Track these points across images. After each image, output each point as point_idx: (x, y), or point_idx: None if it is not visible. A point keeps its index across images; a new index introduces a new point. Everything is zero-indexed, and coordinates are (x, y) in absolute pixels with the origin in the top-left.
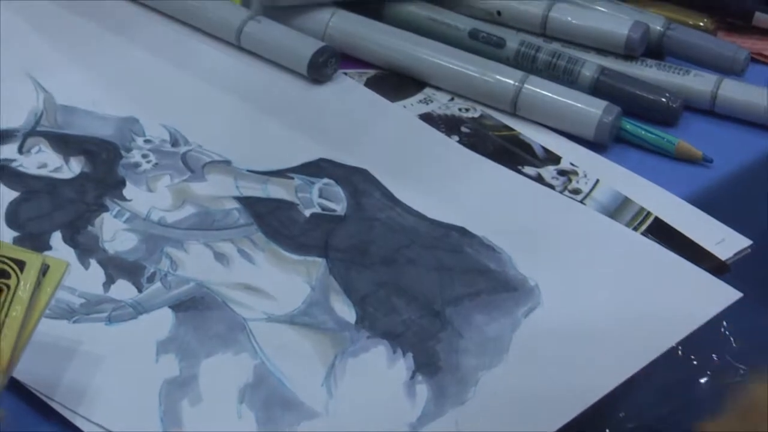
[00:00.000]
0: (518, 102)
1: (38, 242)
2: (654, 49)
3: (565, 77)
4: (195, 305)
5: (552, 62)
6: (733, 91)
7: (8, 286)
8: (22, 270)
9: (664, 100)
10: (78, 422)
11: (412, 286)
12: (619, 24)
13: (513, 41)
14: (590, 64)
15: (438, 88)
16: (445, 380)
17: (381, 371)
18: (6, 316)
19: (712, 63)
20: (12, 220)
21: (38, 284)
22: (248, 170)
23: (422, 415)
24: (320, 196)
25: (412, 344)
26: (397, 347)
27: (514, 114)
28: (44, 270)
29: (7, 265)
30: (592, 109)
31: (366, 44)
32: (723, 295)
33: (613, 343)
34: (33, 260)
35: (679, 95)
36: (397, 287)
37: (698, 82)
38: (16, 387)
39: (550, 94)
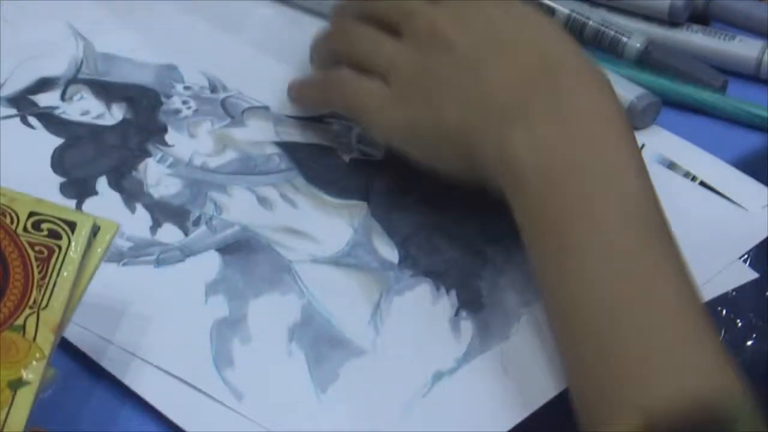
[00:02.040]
0: None
1: (84, 187)
2: (700, 15)
3: (612, 47)
4: (241, 248)
5: (600, 31)
6: None
7: (59, 247)
8: (73, 231)
9: (706, 79)
10: (133, 367)
11: (454, 226)
12: None
13: (564, 7)
14: (637, 36)
15: None
16: (489, 316)
17: (426, 309)
18: (57, 276)
19: (758, 28)
20: (58, 166)
21: (89, 245)
22: (287, 116)
23: (468, 351)
24: (359, 142)
25: (456, 282)
26: (441, 285)
27: None
28: (95, 231)
29: (59, 226)
30: (628, 95)
31: None
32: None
33: None
34: (84, 221)
35: (724, 62)
36: (439, 227)
37: (744, 48)
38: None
39: None
